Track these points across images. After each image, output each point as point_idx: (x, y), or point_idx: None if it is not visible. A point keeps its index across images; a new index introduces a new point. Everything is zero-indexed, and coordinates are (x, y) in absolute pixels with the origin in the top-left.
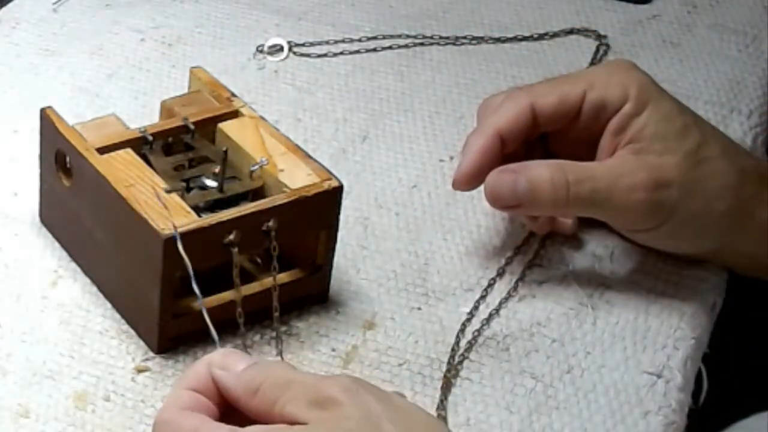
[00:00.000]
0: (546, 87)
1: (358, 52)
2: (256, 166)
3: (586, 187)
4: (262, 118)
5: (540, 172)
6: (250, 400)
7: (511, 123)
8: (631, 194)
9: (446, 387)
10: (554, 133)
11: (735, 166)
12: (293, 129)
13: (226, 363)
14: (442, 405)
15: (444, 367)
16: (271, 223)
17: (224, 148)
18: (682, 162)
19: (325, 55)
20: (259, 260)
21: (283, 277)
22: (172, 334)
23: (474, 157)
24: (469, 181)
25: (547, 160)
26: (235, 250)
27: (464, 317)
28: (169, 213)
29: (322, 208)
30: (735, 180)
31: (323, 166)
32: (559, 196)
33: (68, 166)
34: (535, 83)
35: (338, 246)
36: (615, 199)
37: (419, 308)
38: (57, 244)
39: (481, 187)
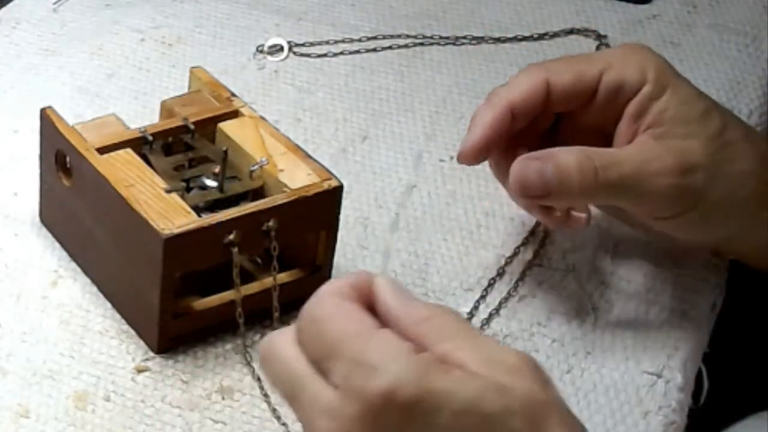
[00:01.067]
0: (562, 64)
1: (358, 52)
2: (256, 166)
3: (614, 172)
4: (262, 118)
5: (566, 158)
6: (411, 326)
7: (524, 97)
8: (659, 179)
9: None
10: (566, 121)
11: (757, 150)
12: (293, 129)
13: (396, 286)
14: None
15: None
16: (271, 223)
17: (224, 148)
18: (706, 145)
19: (325, 55)
20: (259, 260)
21: (283, 277)
22: (172, 334)
23: (482, 130)
24: (475, 155)
25: (569, 147)
26: (235, 250)
27: (464, 317)
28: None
29: (322, 208)
30: (757, 164)
31: (323, 166)
32: (588, 182)
33: (68, 166)
34: (550, 60)
35: (338, 246)
36: (643, 185)
37: None
38: (57, 244)
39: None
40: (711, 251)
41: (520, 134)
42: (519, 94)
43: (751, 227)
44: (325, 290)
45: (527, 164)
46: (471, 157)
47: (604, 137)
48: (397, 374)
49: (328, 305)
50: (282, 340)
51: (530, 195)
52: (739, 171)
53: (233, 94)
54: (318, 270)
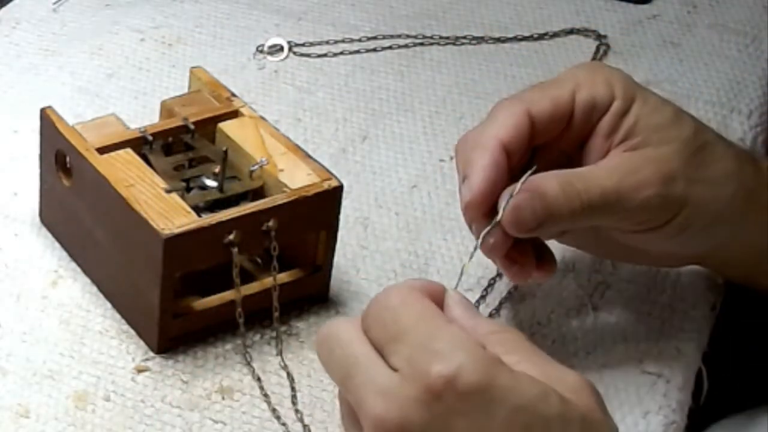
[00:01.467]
0: (536, 93)
1: (358, 52)
2: (256, 166)
3: (596, 192)
4: (262, 118)
5: (550, 185)
6: (478, 337)
7: (511, 132)
8: (641, 192)
9: None
10: (540, 147)
11: (730, 149)
12: (293, 129)
13: (467, 302)
14: None
15: None
16: (271, 223)
17: (224, 148)
18: (682, 150)
19: (325, 55)
20: (259, 260)
21: (283, 277)
22: (172, 334)
23: (484, 173)
24: (484, 200)
25: (547, 172)
26: (235, 250)
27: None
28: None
29: (322, 208)
30: (734, 163)
31: (323, 166)
32: (575, 206)
33: (68, 166)
34: (521, 91)
35: (338, 246)
36: (626, 199)
37: None
38: (57, 244)
39: None
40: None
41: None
42: (506, 131)
43: (736, 233)
44: (398, 285)
45: (519, 198)
46: (479, 204)
47: (569, 160)
48: (463, 361)
49: (403, 295)
50: (344, 324)
51: (525, 230)
52: (718, 172)
53: (233, 94)
54: (318, 270)
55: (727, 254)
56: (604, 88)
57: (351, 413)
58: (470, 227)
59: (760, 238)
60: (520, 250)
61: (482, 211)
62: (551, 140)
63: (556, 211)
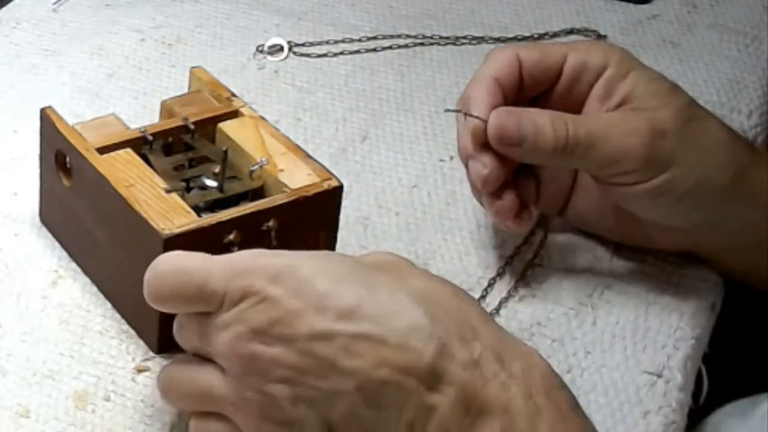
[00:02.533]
0: (529, 45)
1: (358, 52)
2: (256, 166)
3: (583, 129)
4: (262, 118)
5: (541, 114)
6: None
7: (503, 69)
8: (627, 138)
9: None
10: (537, 103)
11: (724, 126)
12: (293, 129)
13: None
14: None
15: None
16: (271, 223)
17: (224, 148)
18: (677, 115)
19: (325, 55)
20: None
21: None
22: (172, 334)
23: (485, 98)
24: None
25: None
26: (236, 249)
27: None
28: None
29: (322, 208)
30: (727, 137)
31: (323, 166)
32: (560, 136)
33: (68, 166)
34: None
35: (338, 246)
36: (612, 143)
37: None
38: (57, 244)
39: None
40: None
41: None
42: (498, 68)
43: (726, 211)
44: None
45: (505, 114)
46: (482, 129)
47: None
48: (259, 255)
49: (170, 259)
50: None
51: (506, 143)
52: (709, 142)
53: (233, 94)
54: None
55: (720, 237)
56: (598, 55)
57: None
58: (466, 166)
59: (751, 219)
60: (507, 193)
61: (484, 141)
62: (545, 99)
63: (540, 134)
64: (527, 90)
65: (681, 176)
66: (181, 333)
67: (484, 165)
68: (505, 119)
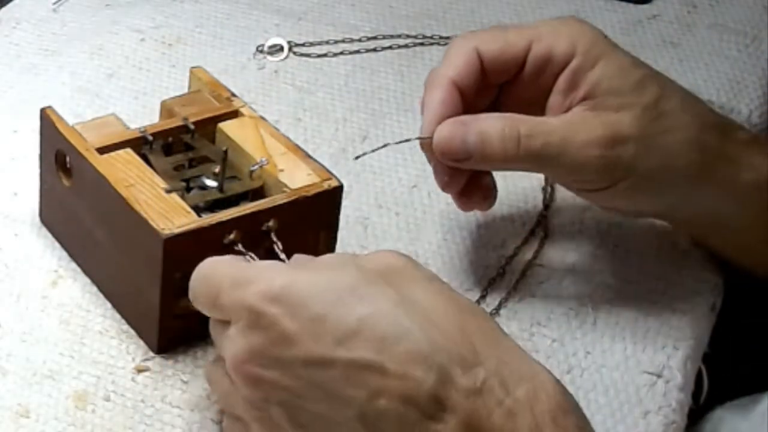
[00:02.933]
0: (491, 34)
1: (358, 52)
2: (256, 166)
3: (539, 141)
4: (262, 118)
5: (491, 123)
6: None
7: (461, 69)
8: (585, 150)
9: None
10: (505, 94)
11: (695, 119)
12: (293, 129)
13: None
14: None
15: None
16: (271, 223)
17: (224, 148)
18: (640, 116)
19: (325, 55)
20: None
21: None
22: (172, 334)
23: (436, 109)
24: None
25: (499, 113)
26: (239, 248)
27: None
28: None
29: (322, 208)
30: (695, 134)
31: (323, 166)
32: (509, 149)
33: (68, 166)
34: (480, 30)
35: (338, 246)
36: (568, 155)
37: None
38: (57, 244)
39: None
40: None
41: (468, 107)
42: (456, 68)
43: (694, 195)
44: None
45: (451, 128)
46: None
47: (541, 110)
48: (269, 275)
49: (207, 262)
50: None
51: (452, 158)
52: (674, 141)
53: (233, 94)
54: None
55: (681, 216)
56: (565, 43)
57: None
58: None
59: (715, 204)
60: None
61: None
62: (512, 85)
63: (488, 147)
64: (492, 79)
65: (642, 181)
66: (211, 335)
67: (443, 173)
68: (449, 135)
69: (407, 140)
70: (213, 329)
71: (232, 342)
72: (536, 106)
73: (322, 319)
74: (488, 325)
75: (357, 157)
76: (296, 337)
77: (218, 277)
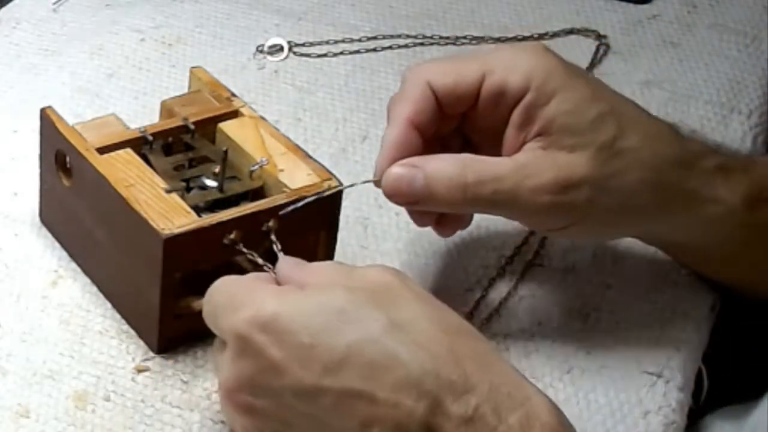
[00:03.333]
0: (444, 66)
1: (358, 52)
2: (256, 166)
3: (488, 188)
4: (262, 118)
5: (440, 168)
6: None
7: (416, 107)
8: (536, 197)
9: None
10: (468, 117)
11: (655, 156)
12: (293, 129)
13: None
14: None
15: None
16: (271, 223)
17: (224, 148)
18: (594, 157)
19: (325, 55)
20: (259, 260)
21: None
22: (172, 334)
23: (388, 151)
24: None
25: (453, 154)
26: (240, 248)
27: (464, 317)
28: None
29: (322, 208)
30: (653, 173)
31: (323, 166)
32: (456, 196)
33: (68, 166)
34: (434, 60)
35: (338, 246)
36: (519, 202)
37: None
38: (57, 244)
39: None
40: None
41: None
42: (411, 106)
43: (651, 231)
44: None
45: (399, 172)
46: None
47: (502, 137)
48: (258, 302)
49: (220, 281)
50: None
51: (400, 202)
52: (630, 182)
53: (233, 94)
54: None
55: (650, 242)
56: (519, 77)
57: None
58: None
59: (679, 237)
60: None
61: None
62: (470, 114)
63: (435, 193)
64: (449, 111)
65: (597, 222)
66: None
67: (411, 210)
68: (397, 179)
69: (362, 182)
70: (213, 351)
71: (223, 368)
72: (498, 134)
73: (310, 347)
74: (480, 346)
75: (282, 214)
76: (284, 366)
77: (217, 299)
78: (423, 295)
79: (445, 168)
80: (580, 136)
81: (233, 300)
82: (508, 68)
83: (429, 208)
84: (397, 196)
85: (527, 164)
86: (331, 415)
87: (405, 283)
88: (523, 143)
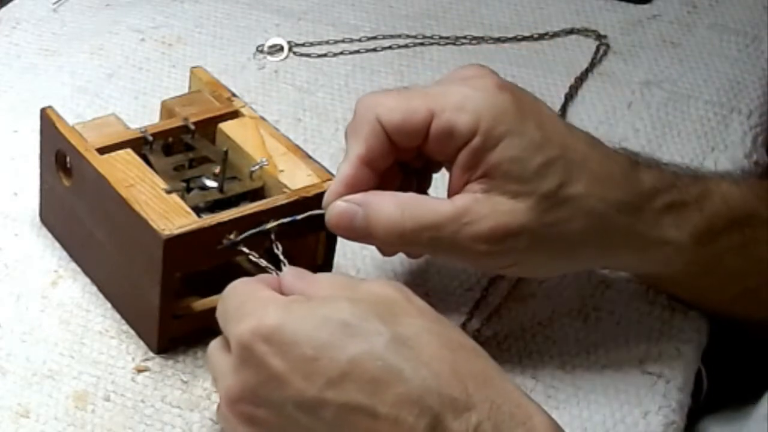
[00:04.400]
0: (394, 101)
1: (358, 52)
2: (256, 167)
3: (425, 236)
4: (262, 118)
5: (380, 209)
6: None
7: (367, 145)
8: (473, 245)
9: None
10: (423, 147)
11: (602, 202)
12: (293, 129)
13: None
14: None
15: None
16: (270, 224)
17: (224, 149)
18: (536, 206)
19: (325, 55)
20: (259, 260)
21: None
22: (172, 334)
23: (337, 186)
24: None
25: (396, 195)
26: (241, 248)
27: (464, 317)
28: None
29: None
30: (598, 220)
31: (323, 166)
32: (393, 239)
33: (68, 166)
34: (385, 93)
35: (338, 246)
36: (456, 249)
37: None
38: (57, 244)
39: None
40: None
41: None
42: (362, 144)
43: (597, 266)
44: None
45: (341, 208)
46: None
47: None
48: (262, 312)
49: (233, 285)
50: (217, 338)
51: (342, 236)
52: (573, 230)
53: (233, 95)
54: (318, 270)
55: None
56: (467, 119)
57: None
58: None
59: (630, 270)
60: None
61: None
62: (427, 148)
63: (373, 234)
64: (400, 145)
65: (540, 264)
66: (210, 362)
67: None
68: (338, 215)
69: (308, 214)
70: (211, 358)
71: (225, 377)
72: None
73: (313, 359)
74: (482, 363)
75: (223, 247)
76: (286, 377)
77: (228, 304)
78: (426, 311)
79: (385, 210)
80: (524, 183)
81: (241, 308)
82: (457, 108)
83: (371, 244)
84: (338, 230)
85: (467, 210)
86: (332, 428)
87: (408, 298)
88: (467, 183)
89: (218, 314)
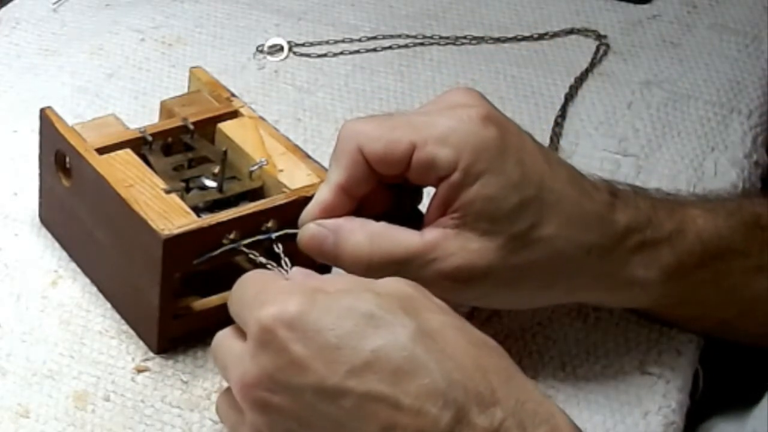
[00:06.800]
0: (377, 130)
1: (358, 52)
2: (256, 167)
3: (391, 269)
4: (262, 118)
5: (349, 238)
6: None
7: (349, 174)
8: (438, 281)
9: None
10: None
11: (571, 244)
12: (293, 129)
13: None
14: None
15: None
16: (270, 224)
17: (224, 149)
18: (504, 246)
19: (325, 55)
20: (259, 260)
21: None
22: (172, 334)
23: (313, 209)
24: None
25: (368, 224)
26: (241, 248)
27: (464, 317)
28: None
29: None
30: (567, 261)
31: (323, 166)
32: (360, 269)
33: (68, 166)
34: (368, 120)
35: None
36: (423, 282)
37: None
38: (57, 244)
39: None
40: None
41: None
42: (344, 173)
43: (567, 301)
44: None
45: (315, 231)
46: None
47: None
48: (285, 298)
49: (249, 274)
50: (227, 328)
51: (314, 258)
52: (541, 270)
53: (233, 95)
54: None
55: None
56: (448, 154)
57: (229, 399)
58: None
59: (592, 303)
60: None
61: None
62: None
63: (342, 262)
64: (381, 173)
65: (507, 300)
66: (217, 353)
67: None
68: (310, 238)
69: (283, 232)
70: (220, 347)
71: (241, 362)
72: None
73: (336, 347)
74: (504, 362)
75: (198, 263)
76: (308, 363)
77: (245, 290)
78: (446, 308)
79: (353, 240)
80: (495, 223)
81: (261, 295)
82: (440, 142)
83: (339, 268)
84: (308, 251)
85: (435, 246)
86: (351, 418)
87: (426, 295)
88: (442, 215)
89: (232, 301)
